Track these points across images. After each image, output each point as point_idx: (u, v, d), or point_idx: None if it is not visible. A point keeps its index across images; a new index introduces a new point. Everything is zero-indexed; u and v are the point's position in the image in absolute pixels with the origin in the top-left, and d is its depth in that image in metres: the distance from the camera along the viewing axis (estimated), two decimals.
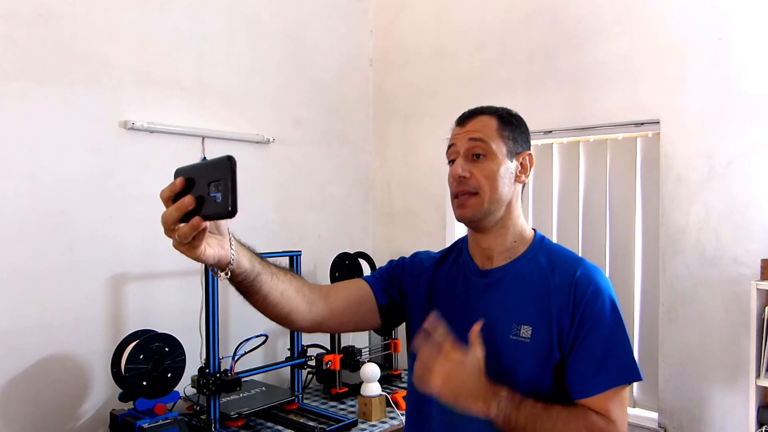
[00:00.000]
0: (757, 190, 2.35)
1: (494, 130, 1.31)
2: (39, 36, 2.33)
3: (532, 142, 3.09)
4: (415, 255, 1.54)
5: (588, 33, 2.79)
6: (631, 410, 2.75)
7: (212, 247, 0.97)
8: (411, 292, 1.47)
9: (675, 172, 2.55)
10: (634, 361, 1.25)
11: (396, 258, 1.55)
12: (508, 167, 1.31)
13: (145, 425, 2.19)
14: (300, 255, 2.78)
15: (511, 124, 1.34)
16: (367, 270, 3.09)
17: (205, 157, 2.77)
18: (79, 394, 2.44)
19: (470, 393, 1.13)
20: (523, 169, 1.34)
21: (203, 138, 2.80)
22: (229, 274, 1.03)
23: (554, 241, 1.47)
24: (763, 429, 2.22)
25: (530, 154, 1.36)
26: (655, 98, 2.60)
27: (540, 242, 1.37)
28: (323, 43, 3.43)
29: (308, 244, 3.24)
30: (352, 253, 3.14)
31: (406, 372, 2.42)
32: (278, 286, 1.16)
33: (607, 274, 1.36)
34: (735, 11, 2.40)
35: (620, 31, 2.69)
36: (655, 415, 2.64)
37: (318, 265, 3.29)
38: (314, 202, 3.37)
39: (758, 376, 2.20)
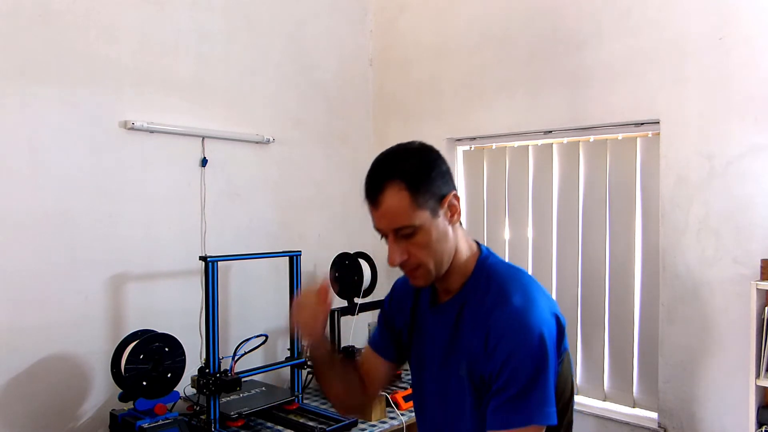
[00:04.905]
0: (757, 191, 2.35)
1: (409, 206, 1.22)
2: (39, 36, 2.33)
3: (532, 142, 3.15)
4: (394, 285, 1.58)
5: (588, 33, 2.79)
6: (630, 410, 2.76)
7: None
8: (400, 317, 1.51)
9: (675, 172, 2.55)
10: (548, 404, 1.18)
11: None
12: (439, 226, 1.25)
13: (145, 425, 2.19)
14: (300, 255, 2.78)
15: (423, 182, 1.24)
16: (367, 270, 3.08)
17: (205, 158, 2.78)
18: (79, 394, 2.44)
19: (306, 329, 1.42)
20: (453, 209, 1.27)
21: (203, 138, 2.80)
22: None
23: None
24: (763, 429, 2.22)
25: (454, 194, 1.27)
26: (655, 98, 2.60)
27: (482, 267, 1.32)
28: (323, 43, 3.43)
29: (308, 244, 3.24)
30: (352, 253, 3.14)
31: (407, 372, 2.43)
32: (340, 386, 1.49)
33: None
34: (735, 11, 2.40)
35: (620, 31, 2.69)
36: (655, 415, 2.64)
37: (318, 265, 3.29)
38: (314, 202, 3.37)
39: (758, 376, 2.20)
